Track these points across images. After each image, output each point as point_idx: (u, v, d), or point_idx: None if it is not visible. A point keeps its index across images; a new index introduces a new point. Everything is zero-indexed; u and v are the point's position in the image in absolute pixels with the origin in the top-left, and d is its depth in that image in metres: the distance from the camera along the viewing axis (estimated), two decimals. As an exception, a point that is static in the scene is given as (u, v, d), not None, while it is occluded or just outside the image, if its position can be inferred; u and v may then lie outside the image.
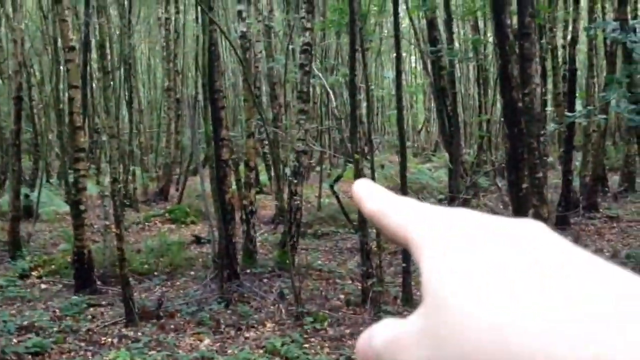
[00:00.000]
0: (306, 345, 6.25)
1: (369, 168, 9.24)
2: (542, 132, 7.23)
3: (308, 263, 9.78)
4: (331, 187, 10.76)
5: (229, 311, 7.43)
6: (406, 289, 7.68)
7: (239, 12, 9.22)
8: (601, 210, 12.68)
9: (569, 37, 11.84)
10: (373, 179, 7.91)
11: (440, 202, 15.57)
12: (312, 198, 15.72)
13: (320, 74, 13.11)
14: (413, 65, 34.66)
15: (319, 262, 10.06)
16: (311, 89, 20.03)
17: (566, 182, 11.66)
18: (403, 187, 8.13)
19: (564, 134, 11.66)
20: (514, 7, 6.85)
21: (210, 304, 7.55)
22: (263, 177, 17.80)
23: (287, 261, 9.21)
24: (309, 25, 9.56)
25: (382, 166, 23.71)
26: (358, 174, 7.97)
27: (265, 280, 8.79)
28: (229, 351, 6.15)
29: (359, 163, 7.81)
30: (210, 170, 7.84)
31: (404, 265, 7.72)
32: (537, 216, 6.22)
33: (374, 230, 7.81)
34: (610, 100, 9.43)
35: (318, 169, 17.77)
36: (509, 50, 5.41)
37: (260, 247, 11.01)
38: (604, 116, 10.30)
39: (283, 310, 7.47)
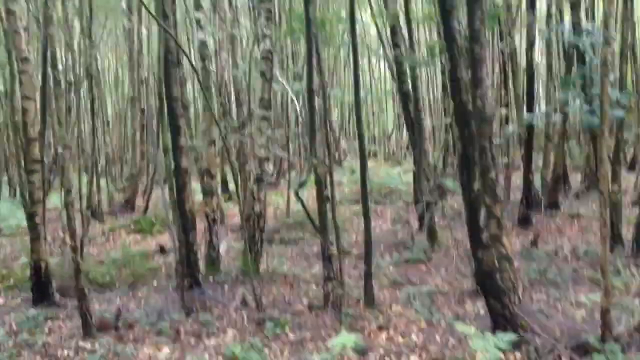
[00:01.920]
0: (266, 350, 6.23)
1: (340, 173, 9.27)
2: (500, 133, 7.36)
3: (273, 269, 9.77)
4: (296, 193, 10.72)
5: (190, 320, 7.37)
6: (368, 291, 7.71)
7: (197, 21, 9.21)
8: (562, 208, 12.92)
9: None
10: (331, 185, 7.94)
11: (407, 205, 15.71)
12: (283, 205, 15.72)
13: (284, 81, 13.17)
14: (382, 70, 34.91)
15: (285, 267, 10.05)
16: (279, 96, 20.14)
17: (527, 182, 11.87)
18: (363, 191, 8.19)
19: (525, 135, 11.87)
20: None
21: (171, 313, 7.48)
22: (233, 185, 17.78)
23: (251, 267, 9.23)
24: (268, 32, 9.60)
25: (353, 171, 23.86)
26: (319, 181, 7.98)
27: (228, 287, 8.75)
28: (188, 359, 6.10)
29: (316, 169, 7.82)
30: (169, 180, 7.78)
31: (365, 268, 7.76)
32: (490, 215, 6.32)
33: (335, 235, 7.85)
34: (566, 101, 9.67)
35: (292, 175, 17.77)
36: (457, 53, 5.50)
37: (227, 254, 10.98)
38: (560, 116, 10.51)
39: (245, 317, 7.44)
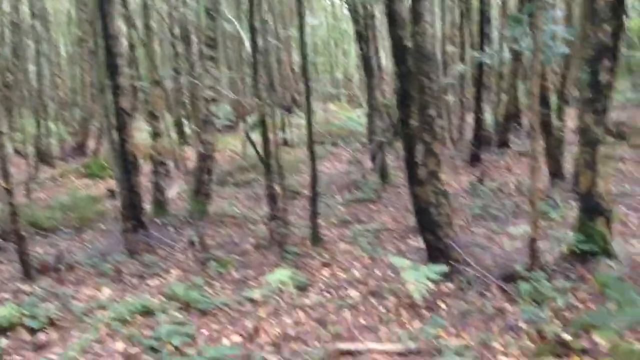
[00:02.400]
0: (207, 289, 6.28)
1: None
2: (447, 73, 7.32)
3: (223, 211, 9.76)
4: (247, 135, 10.65)
5: (133, 261, 7.36)
6: (314, 230, 7.78)
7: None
8: (512, 146, 13.11)
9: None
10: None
11: (364, 147, 15.75)
12: (240, 148, 15.62)
13: (233, 19, 12.81)
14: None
15: (235, 209, 10.04)
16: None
17: (477, 121, 11.96)
18: (309, 134, 8.07)
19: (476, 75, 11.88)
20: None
21: (115, 255, 7.43)
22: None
23: (200, 209, 9.20)
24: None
25: (314, 113, 23.78)
26: (264, 122, 7.85)
27: (176, 229, 8.72)
28: (129, 299, 6.10)
29: (263, 111, 7.70)
30: (107, 121, 7.59)
31: (311, 207, 7.80)
32: (429, 152, 6.36)
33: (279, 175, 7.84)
34: (515, 38, 9.60)
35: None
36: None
37: (178, 197, 10.91)
38: (510, 55, 10.51)
39: (190, 258, 7.46)
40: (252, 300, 5.78)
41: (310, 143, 7.91)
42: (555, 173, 9.40)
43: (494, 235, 7.42)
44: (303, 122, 21.45)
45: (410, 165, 5.78)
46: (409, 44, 5.47)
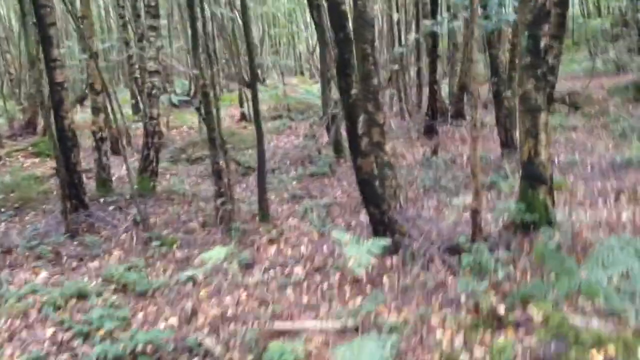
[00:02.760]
0: (148, 270, 6.08)
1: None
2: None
3: (170, 188, 9.51)
4: (197, 109, 10.33)
5: (74, 242, 7.10)
6: (262, 206, 7.61)
7: None
8: (468, 117, 13.09)
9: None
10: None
11: (321, 119, 15.57)
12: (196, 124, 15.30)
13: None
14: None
15: (185, 186, 9.80)
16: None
17: (432, 92, 11.86)
18: (255, 111, 7.84)
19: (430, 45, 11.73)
20: None
21: (55, 236, 7.16)
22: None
23: (147, 187, 8.93)
24: None
25: (275, 87, 23.45)
26: (206, 95, 7.55)
27: (121, 208, 8.45)
28: (66, 282, 5.87)
29: (203, 86, 7.41)
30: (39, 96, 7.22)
31: (259, 183, 7.62)
32: (372, 122, 6.22)
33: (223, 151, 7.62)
34: (464, 6, 9.49)
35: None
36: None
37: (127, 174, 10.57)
38: (457, 24, 10.37)
39: (134, 238, 7.22)
40: (193, 281, 5.62)
41: (257, 118, 7.70)
42: (507, 143, 9.38)
43: (444, 208, 7.36)
44: (265, 96, 21.31)
45: (353, 136, 5.62)
46: (345, 8, 5.26)
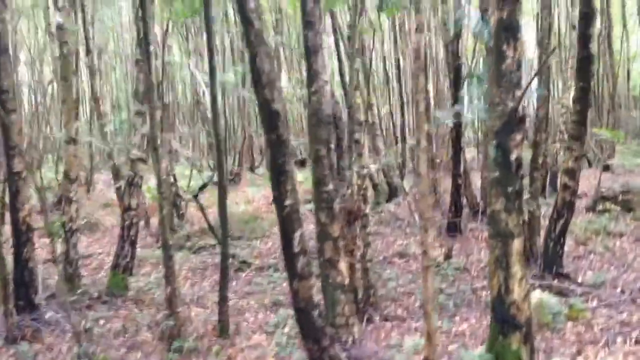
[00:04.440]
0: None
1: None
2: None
3: (149, 286, 8.72)
4: (194, 197, 9.73)
5: (10, 351, 6.36)
6: (222, 318, 6.67)
7: (55, 1, 8.17)
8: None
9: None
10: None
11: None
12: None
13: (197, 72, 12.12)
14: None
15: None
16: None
17: (455, 186, 10.77)
18: (221, 197, 7.11)
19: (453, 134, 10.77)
20: None
21: (-11, 343, 6.46)
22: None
23: (119, 285, 8.25)
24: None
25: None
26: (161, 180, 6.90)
27: (81, 309, 7.67)
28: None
29: (158, 172, 6.76)
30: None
31: (220, 292, 6.72)
32: (325, 236, 5.28)
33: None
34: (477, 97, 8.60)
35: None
36: (255, 40, 4.43)
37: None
38: (470, 115, 9.42)
39: (69, 350, 6.41)
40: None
41: (224, 227, 6.85)
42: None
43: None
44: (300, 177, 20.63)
45: (287, 255, 4.68)
46: (278, 107, 4.46)
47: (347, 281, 5.29)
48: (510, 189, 4.25)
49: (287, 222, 4.68)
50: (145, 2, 6.53)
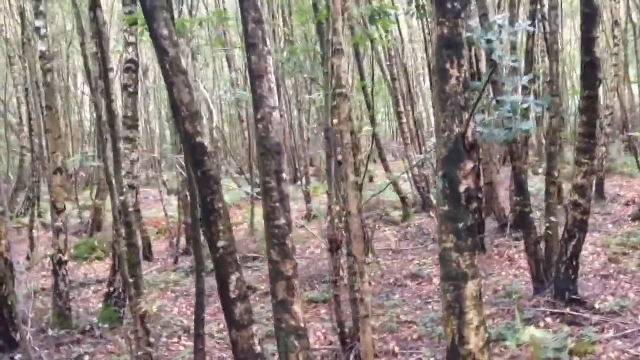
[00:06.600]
0: None
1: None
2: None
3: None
4: (194, 219, 9.42)
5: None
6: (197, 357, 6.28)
7: (37, 29, 8.06)
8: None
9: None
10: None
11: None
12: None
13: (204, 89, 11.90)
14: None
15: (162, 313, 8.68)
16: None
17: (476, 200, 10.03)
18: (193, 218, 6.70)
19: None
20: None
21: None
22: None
23: (112, 318, 8.04)
24: (132, 39, 8.39)
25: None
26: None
27: (71, 345, 7.47)
28: None
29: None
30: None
31: (196, 328, 6.33)
32: (277, 275, 4.80)
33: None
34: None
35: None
36: (171, 70, 4.03)
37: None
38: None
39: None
40: None
41: (197, 246, 6.49)
42: (538, 277, 7.42)
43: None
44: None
45: (225, 301, 4.25)
46: (202, 140, 4.04)
47: (302, 325, 4.78)
48: (461, 225, 3.66)
49: (221, 266, 4.26)
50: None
